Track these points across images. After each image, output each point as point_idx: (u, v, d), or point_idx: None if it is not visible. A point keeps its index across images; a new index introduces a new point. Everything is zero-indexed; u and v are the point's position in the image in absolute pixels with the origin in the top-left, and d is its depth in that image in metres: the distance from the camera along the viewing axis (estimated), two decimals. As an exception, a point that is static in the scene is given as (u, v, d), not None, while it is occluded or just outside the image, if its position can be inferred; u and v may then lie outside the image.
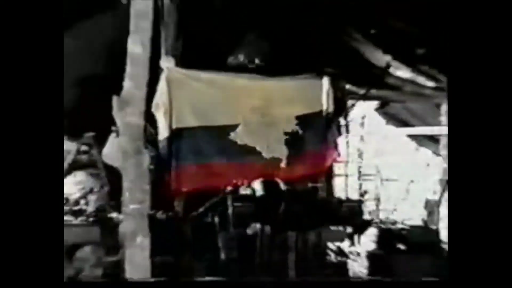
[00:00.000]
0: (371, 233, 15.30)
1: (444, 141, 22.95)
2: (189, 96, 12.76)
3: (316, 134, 14.75)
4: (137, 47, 9.40)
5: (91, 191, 13.56)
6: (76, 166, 14.05)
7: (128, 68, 9.50)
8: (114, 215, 11.15)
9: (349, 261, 14.41)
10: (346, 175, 22.27)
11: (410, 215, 21.52)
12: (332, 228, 14.67)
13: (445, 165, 22.41)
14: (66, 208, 14.09)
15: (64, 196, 13.71)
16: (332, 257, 14.27)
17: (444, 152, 22.49)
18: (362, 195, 22.26)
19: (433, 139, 23.53)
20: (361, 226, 15.74)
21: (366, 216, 18.72)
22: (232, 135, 13.86)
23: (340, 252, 14.41)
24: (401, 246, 14.66)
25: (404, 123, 23.24)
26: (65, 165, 14.13)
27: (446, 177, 21.75)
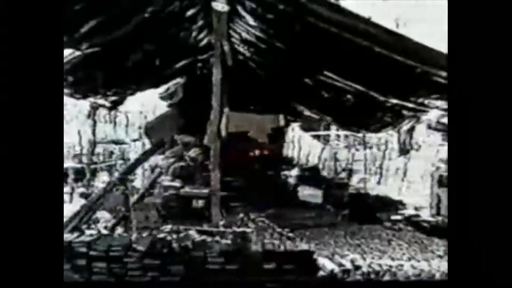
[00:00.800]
0: (296, 169, 15.24)
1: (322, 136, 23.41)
2: (233, 121, 12.58)
3: (277, 134, 14.71)
4: (215, 104, 9.29)
5: (199, 155, 13.30)
6: (194, 145, 13.69)
7: (212, 111, 9.40)
8: (207, 162, 10.90)
9: (289, 179, 14.25)
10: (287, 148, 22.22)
11: (311, 162, 21.47)
12: (283, 167, 14.61)
13: (322, 145, 22.84)
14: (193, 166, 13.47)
15: (190, 157, 13.35)
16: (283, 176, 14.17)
17: (322, 140, 23.03)
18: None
19: (318, 136, 23.21)
20: (292, 166, 15.69)
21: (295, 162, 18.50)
22: (248, 134, 13.59)
23: (286, 175, 14.27)
24: (306, 173, 14.60)
25: (310, 130, 22.55)
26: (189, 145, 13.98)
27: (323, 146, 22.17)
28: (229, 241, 6.04)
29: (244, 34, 10.30)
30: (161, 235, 6.04)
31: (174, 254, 5.50)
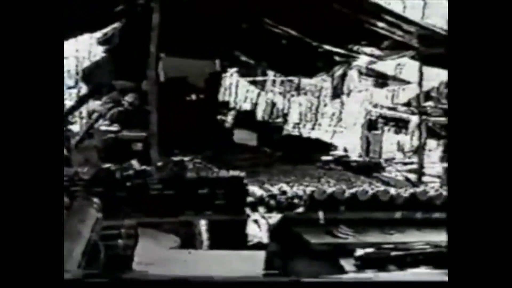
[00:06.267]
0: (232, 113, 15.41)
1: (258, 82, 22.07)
2: (172, 66, 12.84)
3: (214, 79, 14.72)
4: (152, 49, 9.35)
5: (136, 99, 13.11)
6: (131, 91, 13.51)
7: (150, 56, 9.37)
8: (144, 107, 10.92)
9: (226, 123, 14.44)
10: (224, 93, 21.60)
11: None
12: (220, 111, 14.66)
13: (259, 91, 22.17)
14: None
15: (127, 102, 13.19)
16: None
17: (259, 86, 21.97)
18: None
19: (255, 82, 21.98)
20: (229, 110, 15.82)
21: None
22: (187, 80, 13.71)
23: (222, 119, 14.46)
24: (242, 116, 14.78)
25: (247, 76, 21.63)
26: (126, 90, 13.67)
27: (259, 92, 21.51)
28: (166, 171, 6.80)
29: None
30: (106, 166, 6.60)
31: (117, 182, 6.17)
